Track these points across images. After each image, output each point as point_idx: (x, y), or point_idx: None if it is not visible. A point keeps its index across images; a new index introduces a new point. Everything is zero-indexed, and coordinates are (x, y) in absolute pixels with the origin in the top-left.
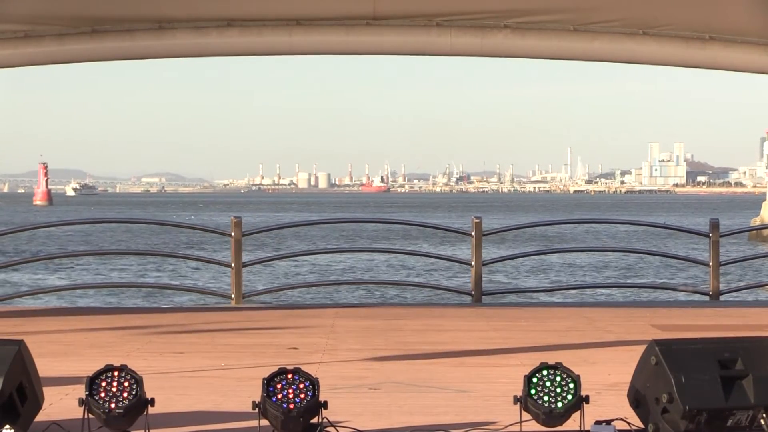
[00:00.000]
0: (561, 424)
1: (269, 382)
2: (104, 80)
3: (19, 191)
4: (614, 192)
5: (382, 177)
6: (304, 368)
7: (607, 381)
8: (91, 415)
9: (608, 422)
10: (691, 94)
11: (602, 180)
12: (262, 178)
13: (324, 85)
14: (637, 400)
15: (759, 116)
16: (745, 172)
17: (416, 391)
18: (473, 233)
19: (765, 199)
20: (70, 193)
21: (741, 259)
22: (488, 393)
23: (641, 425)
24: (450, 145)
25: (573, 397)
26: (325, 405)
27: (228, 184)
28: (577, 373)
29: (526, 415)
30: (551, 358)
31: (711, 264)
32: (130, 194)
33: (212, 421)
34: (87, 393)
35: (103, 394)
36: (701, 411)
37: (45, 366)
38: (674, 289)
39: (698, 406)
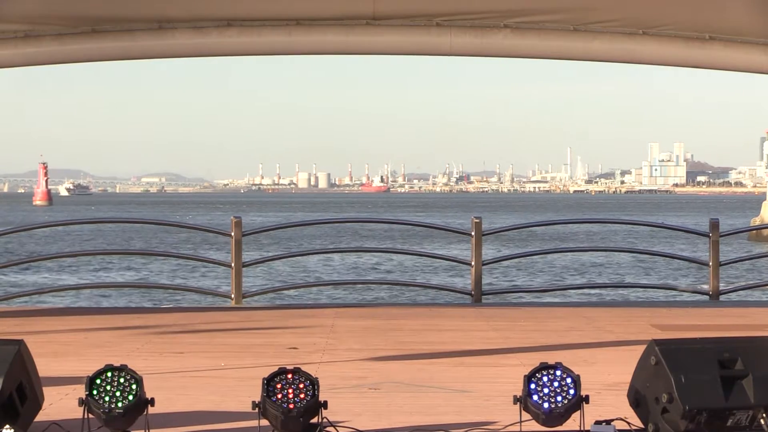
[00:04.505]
0: (561, 424)
1: (269, 382)
2: (104, 80)
3: (19, 191)
4: (614, 192)
5: (382, 177)
6: (304, 368)
7: (607, 381)
8: (91, 415)
9: (608, 422)
10: (692, 94)
11: (602, 180)
12: (262, 178)
13: (324, 85)
14: (637, 400)
15: (759, 116)
16: (744, 172)
17: (416, 391)
18: (473, 233)
19: (765, 199)
20: (64, 193)
21: (741, 258)
22: (488, 393)
23: (641, 425)
24: (450, 145)
25: (573, 397)
26: (325, 405)
27: (228, 184)
28: (577, 373)
29: (526, 415)
30: (551, 358)
31: (711, 264)
32: (127, 194)
33: (212, 421)
34: (87, 393)
35: (103, 394)
36: (701, 411)
37: (45, 366)
38: (674, 289)
39: (698, 406)
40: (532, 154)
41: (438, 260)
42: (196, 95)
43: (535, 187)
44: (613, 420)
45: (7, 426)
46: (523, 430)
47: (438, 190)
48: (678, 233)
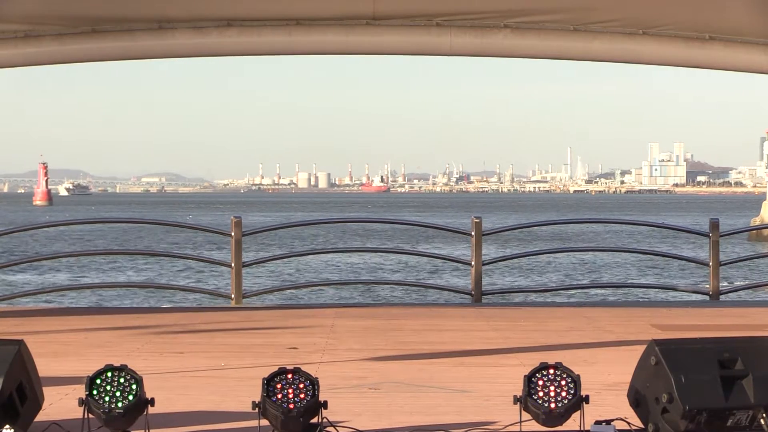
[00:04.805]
0: (561, 424)
1: (269, 382)
2: (104, 80)
3: (19, 191)
4: (614, 192)
5: (382, 177)
6: (304, 368)
7: (607, 381)
8: (91, 415)
9: (608, 422)
10: (691, 94)
11: (602, 180)
12: (262, 178)
13: (324, 85)
14: (637, 399)
15: (759, 116)
16: (744, 172)
17: (416, 391)
18: (473, 233)
19: (765, 199)
20: (63, 193)
21: (741, 258)
22: (488, 393)
23: (641, 425)
24: (450, 145)
25: (573, 397)
26: (325, 405)
27: (228, 184)
28: (577, 373)
29: (526, 415)
30: (551, 358)
31: (711, 264)
32: (127, 194)
33: (212, 421)
34: (87, 393)
35: (103, 394)
36: (701, 411)
37: (45, 366)
38: (674, 289)
39: (698, 406)
40: (532, 154)
41: (438, 260)
42: (196, 95)
43: (535, 187)
44: (613, 420)
45: (7, 426)
46: (523, 430)
47: (438, 190)
48: (678, 233)
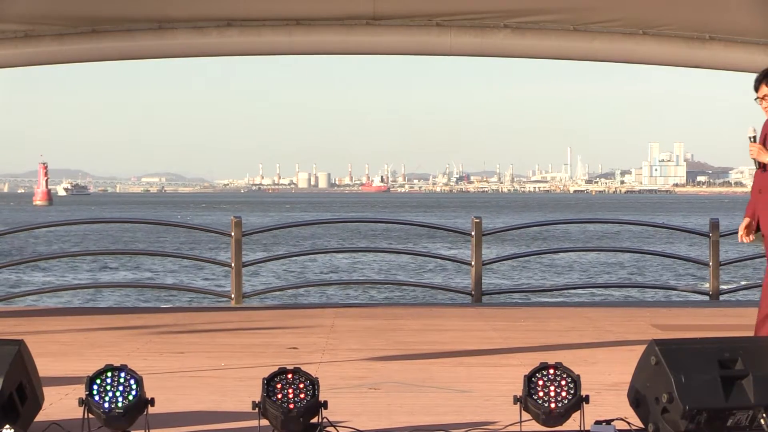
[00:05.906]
0: (561, 424)
1: (269, 382)
2: (104, 80)
3: (19, 191)
4: (614, 192)
5: (382, 177)
6: (304, 368)
7: (607, 381)
8: (91, 415)
9: (608, 422)
10: (691, 94)
11: (602, 180)
12: (262, 178)
13: (324, 85)
14: (637, 399)
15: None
16: (744, 172)
17: (416, 391)
18: (473, 233)
19: None
20: (61, 193)
21: (741, 258)
22: (488, 393)
23: (641, 425)
24: (450, 145)
25: (573, 397)
26: (325, 405)
27: (228, 184)
28: (577, 373)
29: (526, 415)
30: (551, 358)
31: (711, 264)
32: (127, 194)
33: (212, 421)
34: (87, 393)
35: (103, 394)
36: (701, 411)
37: (45, 366)
38: (674, 289)
39: (698, 406)
40: (532, 154)
41: (438, 260)
42: (196, 95)
43: (535, 187)
44: (613, 420)
45: (7, 426)
46: (523, 430)
47: (438, 190)
48: (678, 233)
